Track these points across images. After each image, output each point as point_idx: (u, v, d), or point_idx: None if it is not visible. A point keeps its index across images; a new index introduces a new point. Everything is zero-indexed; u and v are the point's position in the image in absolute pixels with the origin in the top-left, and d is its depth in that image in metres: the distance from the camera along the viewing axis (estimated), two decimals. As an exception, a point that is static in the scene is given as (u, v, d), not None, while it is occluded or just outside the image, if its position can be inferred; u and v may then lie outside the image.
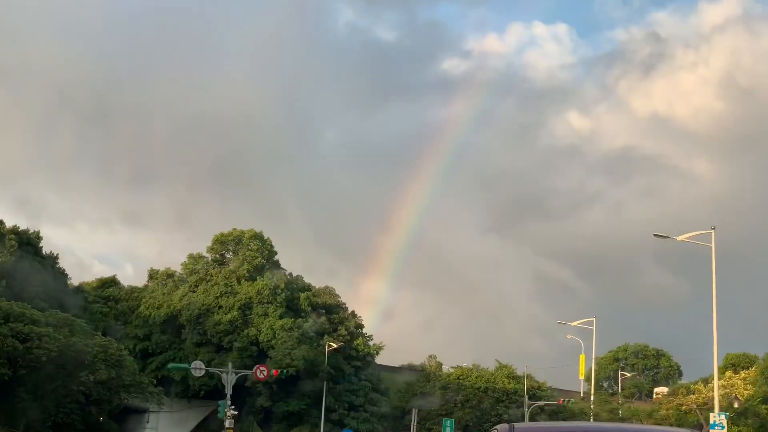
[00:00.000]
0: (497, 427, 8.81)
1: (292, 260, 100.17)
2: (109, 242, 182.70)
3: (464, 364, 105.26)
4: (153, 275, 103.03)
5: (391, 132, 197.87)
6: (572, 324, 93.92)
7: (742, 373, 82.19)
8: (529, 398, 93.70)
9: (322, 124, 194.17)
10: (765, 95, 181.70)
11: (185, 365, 79.62)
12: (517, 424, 8.58)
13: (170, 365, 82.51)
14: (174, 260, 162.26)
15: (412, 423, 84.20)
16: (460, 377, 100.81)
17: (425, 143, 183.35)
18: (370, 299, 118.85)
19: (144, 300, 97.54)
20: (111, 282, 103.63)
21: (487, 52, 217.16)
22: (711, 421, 53.35)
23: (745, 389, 75.47)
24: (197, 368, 75.96)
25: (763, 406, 67.75)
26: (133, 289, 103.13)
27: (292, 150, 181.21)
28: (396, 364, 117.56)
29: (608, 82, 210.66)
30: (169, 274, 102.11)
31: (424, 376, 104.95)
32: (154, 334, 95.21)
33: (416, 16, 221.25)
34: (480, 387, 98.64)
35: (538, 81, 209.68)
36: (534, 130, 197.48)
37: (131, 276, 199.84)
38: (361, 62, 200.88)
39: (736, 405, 66.55)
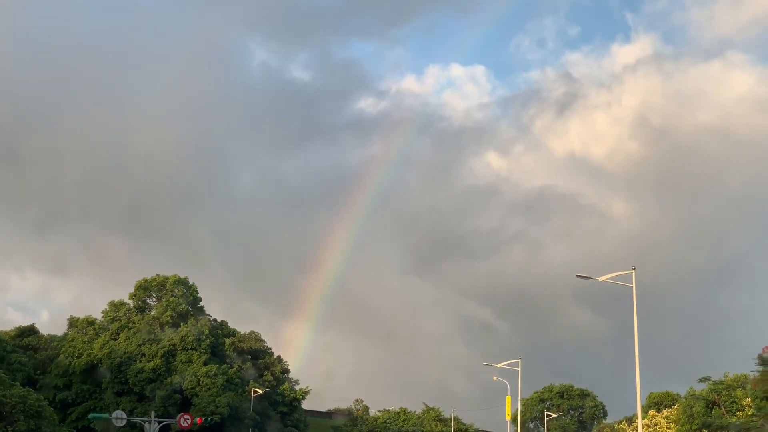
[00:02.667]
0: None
1: (213, 305, 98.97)
2: (22, 288, 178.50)
3: (391, 408, 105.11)
4: (73, 323, 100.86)
5: (308, 173, 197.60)
6: (498, 366, 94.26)
7: (665, 412, 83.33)
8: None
9: (238, 165, 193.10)
10: (677, 135, 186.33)
11: (106, 415, 77.92)
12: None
13: (91, 415, 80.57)
14: (91, 305, 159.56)
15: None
16: (387, 421, 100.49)
17: (343, 184, 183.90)
18: (295, 343, 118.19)
19: (64, 349, 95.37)
20: (29, 331, 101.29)
21: (403, 92, 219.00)
22: (635, 460, 53.82)
23: (668, 427, 76.48)
24: (119, 418, 74.35)
25: (685, 444, 68.73)
26: (52, 338, 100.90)
27: (208, 192, 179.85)
28: (323, 409, 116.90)
29: (524, 121, 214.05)
30: (90, 322, 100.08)
31: (351, 421, 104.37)
32: (74, 384, 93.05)
33: (330, 56, 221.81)
34: (407, 431, 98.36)
35: (456, 121, 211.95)
36: (453, 170, 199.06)
37: (47, 323, 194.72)
38: (277, 102, 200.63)
39: (659, 443, 67.39)
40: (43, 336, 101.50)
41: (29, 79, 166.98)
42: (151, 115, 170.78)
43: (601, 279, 56.44)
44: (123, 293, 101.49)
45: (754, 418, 65.47)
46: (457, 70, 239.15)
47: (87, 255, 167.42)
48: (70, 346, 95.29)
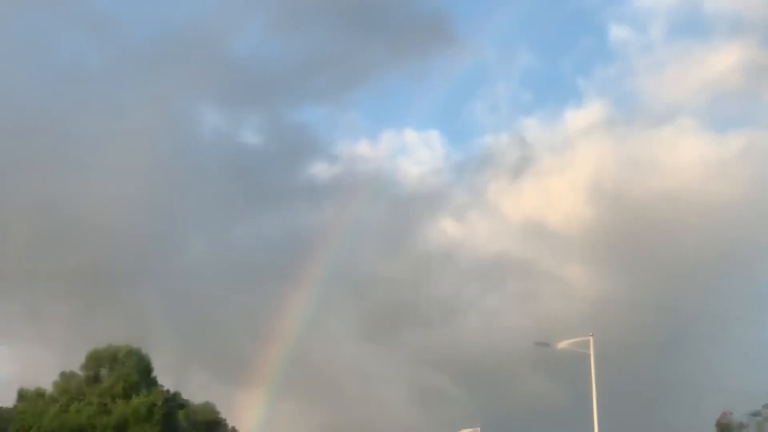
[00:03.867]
0: None
1: (165, 375, 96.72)
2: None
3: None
4: (23, 395, 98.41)
5: (260, 240, 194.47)
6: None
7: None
8: None
9: (188, 232, 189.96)
10: (630, 201, 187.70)
11: (55, 490, 75.83)
12: None
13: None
14: (38, 375, 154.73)
15: None
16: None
17: (296, 251, 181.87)
18: (250, 413, 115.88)
19: (13, 422, 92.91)
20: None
21: (356, 157, 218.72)
22: None
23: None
24: (67, 493, 72.31)
25: None
26: (2, 411, 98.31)
27: (158, 259, 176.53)
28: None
29: (478, 186, 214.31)
30: (40, 394, 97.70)
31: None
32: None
33: (281, 120, 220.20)
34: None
35: (409, 186, 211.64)
36: (406, 237, 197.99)
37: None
38: (228, 167, 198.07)
39: None
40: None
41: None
42: (99, 180, 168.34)
43: (559, 346, 56.18)
44: (71, 362, 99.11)
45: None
46: (411, 135, 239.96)
47: (33, 322, 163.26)
48: (20, 419, 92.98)
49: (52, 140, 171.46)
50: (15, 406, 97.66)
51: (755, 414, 60.24)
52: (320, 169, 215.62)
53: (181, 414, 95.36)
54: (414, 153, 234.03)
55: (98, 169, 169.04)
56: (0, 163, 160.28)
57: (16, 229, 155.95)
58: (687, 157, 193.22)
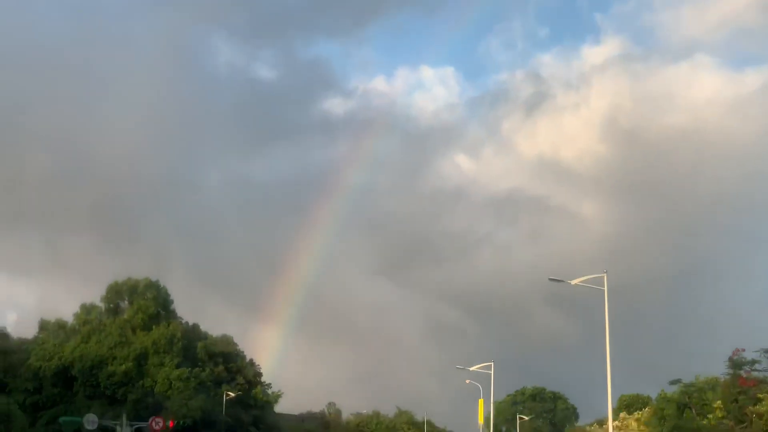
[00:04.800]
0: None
1: (182, 307, 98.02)
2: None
3: (364, 411, 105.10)
4: (44, 326, 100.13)
5: (275, 174, 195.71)
6: (470, 369, 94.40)
7: (636, 414, 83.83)
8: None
9: (203, 166, 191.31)
10: (646, 137, 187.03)
11: (77, 418, 77.48)
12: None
13: (61, 419, 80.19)
14: (57, 307, 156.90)
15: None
16: (360, 425, 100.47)
17: (311, 186, 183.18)
18: (267, 346, 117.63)
19: (34, 352, 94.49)
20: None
21: (371, 92, 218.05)
22: (607, 463, 54.03)
23: (639, 430, 76.94)
24: (90, 421, 74.01)
25: (657, 447, 69.18)
26: (23, 341, 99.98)
27: (174, 194, 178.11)
28: (295, 412, 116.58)
29: (492, 122, 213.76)
30: (61, 325, 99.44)
31: (324, 425, 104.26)
32: (45, 387, 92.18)
33: (295, 54, 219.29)
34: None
35: (424, 122, 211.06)
36: (421, 172, 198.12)
37: (15, 325, 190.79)
38: (242, 102, 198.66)
39: (630, 446, 67.79)
40: (13, 339, 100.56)
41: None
42: (116, 115, 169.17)
43: (573, 282, 56.67)
44: (89, 295, 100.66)
45: (725, 421, 66.09)
46: (426, 72, 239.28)
47: (51, 255, 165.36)
48: (41, 350, 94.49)
49: (67, 76, 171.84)
50: (36, 337, 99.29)
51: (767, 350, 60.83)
52: (335, 104, 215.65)
53: (199, 346, 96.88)
54: (429, 89, 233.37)
55: (114, 105, 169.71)
56: (17, 97, 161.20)
57: (33, 163, 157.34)
58: (704, 94, 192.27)
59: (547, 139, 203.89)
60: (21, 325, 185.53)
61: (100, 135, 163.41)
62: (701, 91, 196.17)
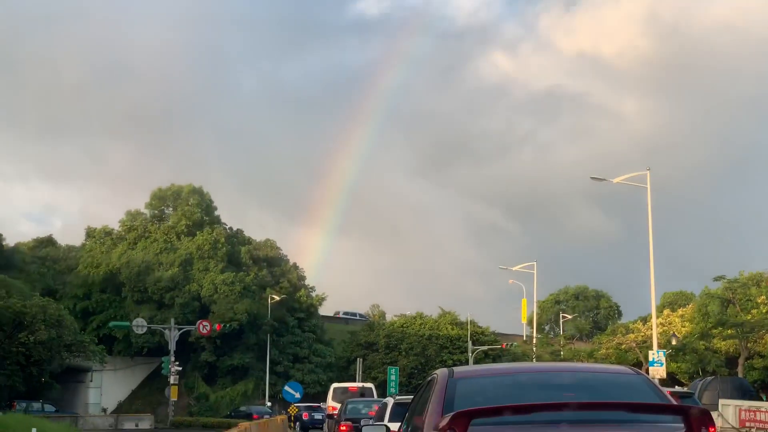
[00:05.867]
0: (436, 371, 8.71)
1: (222, 213, 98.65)
2: (30, 198, 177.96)
3: (407, 312, 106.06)
4: (90, 233, 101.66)
5: (311, 77, 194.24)
6: (513, 269, 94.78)
7: (680, 311, 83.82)
8: (473, 344, 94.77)
9: (238, 70, 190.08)
10: (689, 31, 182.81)
11: (126, 323, 79.18)
12: (456, 368, 8.48)
13: (111, 323, 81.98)
14: (99, 213, 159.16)
15: (358, 372, 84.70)
16: (404, 325, 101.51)
17: (347, 88, 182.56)
18: (309, 250, 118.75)
19: (82, 259, 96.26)
20: (47, 242, 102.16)
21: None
22: (650, 359, 54.33)
23: (682, 326, 77.02)
24: (139, 325, 75.68)
25: (700, 343, 69.16)
26: (70, 249, 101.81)
27: (209, 98, 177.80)
28: (340, 314, 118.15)
29: (530, 18, 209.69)
30: (107, 232, 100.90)
31: (368, 326, 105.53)
32: (93, 293, 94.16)
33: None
34: (424, 335, 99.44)
35: (459, 19, 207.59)
36: (458, 71, 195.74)
37: (60, 232, 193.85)
38: (274, 3, 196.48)
39: (674, 342, 67.74)
40: (61, 247, 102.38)
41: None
42: (148, 19, 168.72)
43: (615, 181, 56.34)
44: (131, 201, 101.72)
45: (769, 316, 65.94)
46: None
47: (91, 162, 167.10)
48: (88, 256, 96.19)
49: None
50: (83, 244, 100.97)
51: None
52: (369, 4, 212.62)
53: (243, 250, 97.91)
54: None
55: (145, 10, 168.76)
56: (48, 6, 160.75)
57: (69, 69, 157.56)
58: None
59: (586, 34, 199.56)
60: (67, 231, 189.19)
61: (133, 41, 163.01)
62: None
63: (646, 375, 8.56)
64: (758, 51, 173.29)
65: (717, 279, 70.84)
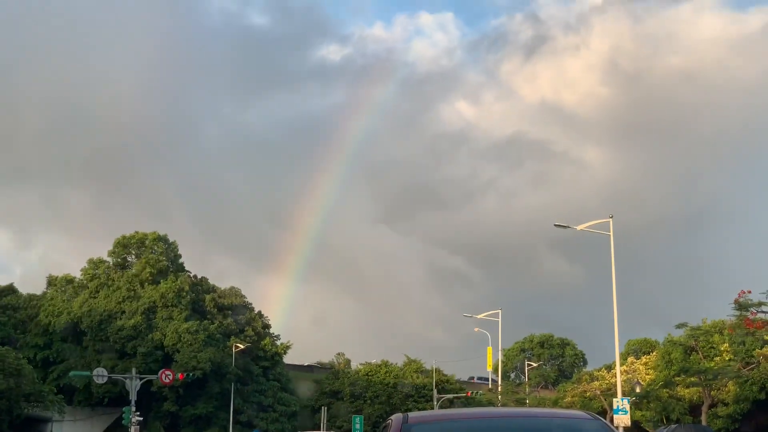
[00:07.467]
0: (392, 417, 8.63)
1: (186, 261, 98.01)
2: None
3: (373, 361, 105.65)
4: (52, 282, 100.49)
5: (274, 123, 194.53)
6: (478, 317, 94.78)
7: (644, 358, 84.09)
8: (438, 392, 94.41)
9: (200, 116, 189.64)
10: (649, 80, 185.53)
11: (87, 372, 77.98)
12: (410, 414, 8.40)
13: (72, 373, 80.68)
14: (60, 262, 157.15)
15: (322, 421, 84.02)
16: (369, 373, 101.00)
17: (311, 134, 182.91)
18: (273, 298, 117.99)
19: (43, 308, 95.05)
20: (8, 290, 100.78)
21: (366, 38, 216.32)
22: (615, 406, 54.31)
23: (646, 374, 77.21)
24: (99, 375, 74.49)
25: (664, 390, 69.27)
26: (31, 297, 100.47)
27: (171, 144, 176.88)
28: (304, 363, 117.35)
29: (491, 66, 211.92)
30: (69, 280, 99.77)
31: (333, 374, 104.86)
32: (54, 343, 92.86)
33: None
34: (389, 383, 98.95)
35: (420, 66, 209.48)
36: (421, 118, 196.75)
37: (20, 280, 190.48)
38: (236, 49, 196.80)
39: (637, 390, 67.85)
40: (22, 295, 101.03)
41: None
42: (109, 65, 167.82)
43: (579, 228, 56.64)
44: (91, 249, 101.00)
45: (731, 363, 66.23)
46: (425, 18, 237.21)
47: (51, 210, 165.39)
48: (49, 305, 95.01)
49: (58, 28, 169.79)
50: (44, 293, 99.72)
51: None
52: (331, 50, 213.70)
53: (207, 298, 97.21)
54: (429, 36, 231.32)
55: (106, 56, 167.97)
56: (9, 51, 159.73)
57: (28, 116, 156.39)
58: (707, 34, 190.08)
59: (547, 82, 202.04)
60: (27, 280, 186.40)
61: (93, 87, 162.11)
62: (703, 31, 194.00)
63: (604, 420, 8.51)
64: (716, 99, 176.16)
65: (679, 326, 71.16)
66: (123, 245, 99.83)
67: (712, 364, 67.80)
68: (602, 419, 8.46)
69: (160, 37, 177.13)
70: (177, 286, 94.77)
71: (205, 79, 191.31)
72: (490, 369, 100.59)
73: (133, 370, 76.52)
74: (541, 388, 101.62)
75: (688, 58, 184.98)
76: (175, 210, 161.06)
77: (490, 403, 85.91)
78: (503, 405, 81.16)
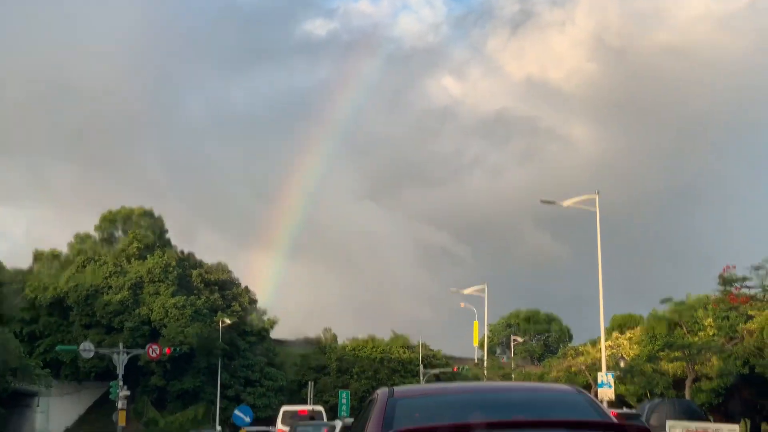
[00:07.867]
0: (377, 391, 8.72)
1: (172, 236, 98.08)
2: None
3: (359, 336, 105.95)
4: (38, 256, 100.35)
5: (259, 98, 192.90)
6: (464, 292, 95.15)
7: (628, 333, 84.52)
8: (425, 367, 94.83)
9: (184, 91, 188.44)
10: (635, 56, 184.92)
11: (74, 347, 77.96)
12: (396, 388, 8.49)
13: (58, 347, 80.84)
14: (45, 236, 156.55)
15: (309, 396, 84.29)
16: (356, 349, 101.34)
17: (295, 110, 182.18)
18: (261, 274, 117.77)
19: (29, 283, 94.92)
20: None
21: (352, 12, 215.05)
22: (599, 381, 54.71)
23: (631, 349, 77.60)
24: (86, 350, 74.46)
25: (648, 365, 69.64)
26: (17, 272, 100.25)
27: (155, 119, 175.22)
28: (292, 338, 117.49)
29: (477, 42, 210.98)
30: (55, 255, 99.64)
31: (320, 349, 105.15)
32: (41, 317, 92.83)
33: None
34: (376, 358, 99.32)
35: (406, 42, 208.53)
36: (407, 94, 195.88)
37: (7, 255, 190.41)
38: (221, 23, 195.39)
39: (622, 364, 68.19)
40: (8, 270, 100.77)
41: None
42: (92, 40, 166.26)
43: (565, 204, 56.85)
44: (77, 223, 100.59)
45: (715, 338, 66.68)
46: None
47: (35, 184, 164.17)
48: (35, 280, 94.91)
49: (43, 1, 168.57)
50: (30, 268, 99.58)
51: (758, 267, 60.92)
52: (316, 25, 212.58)
53: (194, 274, 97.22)
54: (415, 10, 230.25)
55: (91, 30, 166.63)
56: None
57: (11, 89, 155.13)
58: (694, 10, 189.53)
59: (534, 58, 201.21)
60: (13, 255, 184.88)
61: (77, 62, 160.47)
62: (691, 6, 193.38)
63: (588, 393, 8.62)
64: (704, 75, 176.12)
65: (664, 301, 71.59)
66: (109, 220, 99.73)
67: (696, 339, 68.20)
68: (587, 393, 8.57)
69: (144, 11, 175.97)
70: (164, 262, 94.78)
71: (189, 54, 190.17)
72: (476, 344, 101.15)
73: (120, 345, 76.59)
74: (527, 363, 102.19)
75: (675, 33, 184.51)
76: (161, 185, 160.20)
77: (476, 378, 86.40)
78: (489, 380, 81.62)
